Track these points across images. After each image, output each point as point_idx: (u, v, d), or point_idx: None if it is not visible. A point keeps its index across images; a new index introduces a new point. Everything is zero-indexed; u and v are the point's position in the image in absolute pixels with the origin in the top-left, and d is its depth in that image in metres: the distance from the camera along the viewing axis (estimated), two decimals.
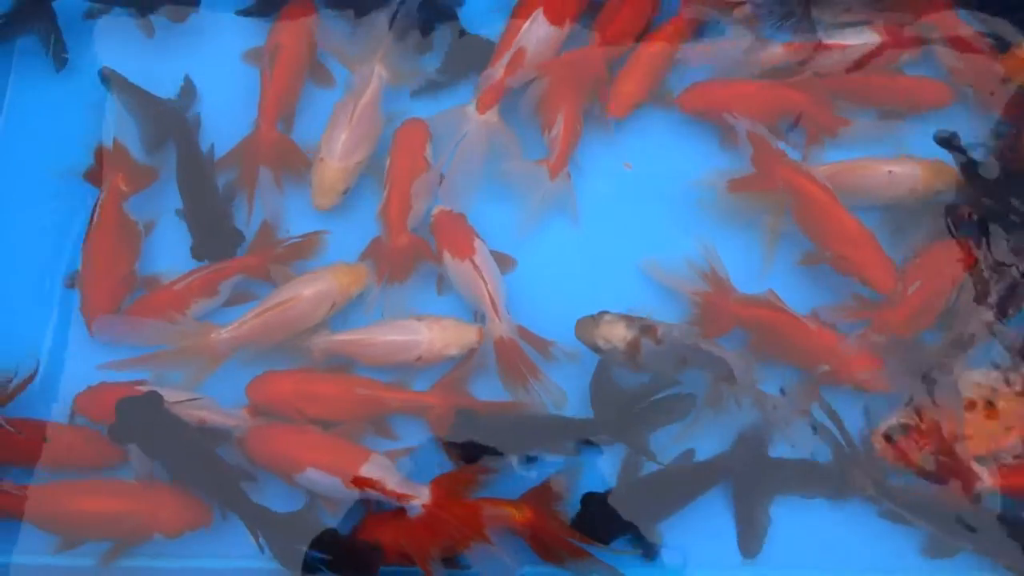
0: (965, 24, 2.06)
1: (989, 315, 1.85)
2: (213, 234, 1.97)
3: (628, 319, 1.82)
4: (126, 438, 1.80)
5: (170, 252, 1.99)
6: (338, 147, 1.96)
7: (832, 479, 1.83)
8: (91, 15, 2.17)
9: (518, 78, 2.01)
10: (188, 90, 2.09)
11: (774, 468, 1.85)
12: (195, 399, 1.83)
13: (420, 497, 1.78)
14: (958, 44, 2.05)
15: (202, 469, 1.80)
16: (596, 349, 1.83)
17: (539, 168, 2.00)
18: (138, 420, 1.79)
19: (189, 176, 1.99)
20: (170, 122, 2.03)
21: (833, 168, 1.97)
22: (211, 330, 1.86)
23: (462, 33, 2.12)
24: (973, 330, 1.85)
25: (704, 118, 2.06)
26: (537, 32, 2.01)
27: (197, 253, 1.96)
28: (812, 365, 1.86)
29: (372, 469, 1.78)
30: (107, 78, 2.05)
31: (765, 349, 1.87)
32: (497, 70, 2.00)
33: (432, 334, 1.88)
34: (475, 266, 1.91)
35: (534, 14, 2.01)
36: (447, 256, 1.93)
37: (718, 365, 1.80)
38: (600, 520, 1.81)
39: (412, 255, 1.96)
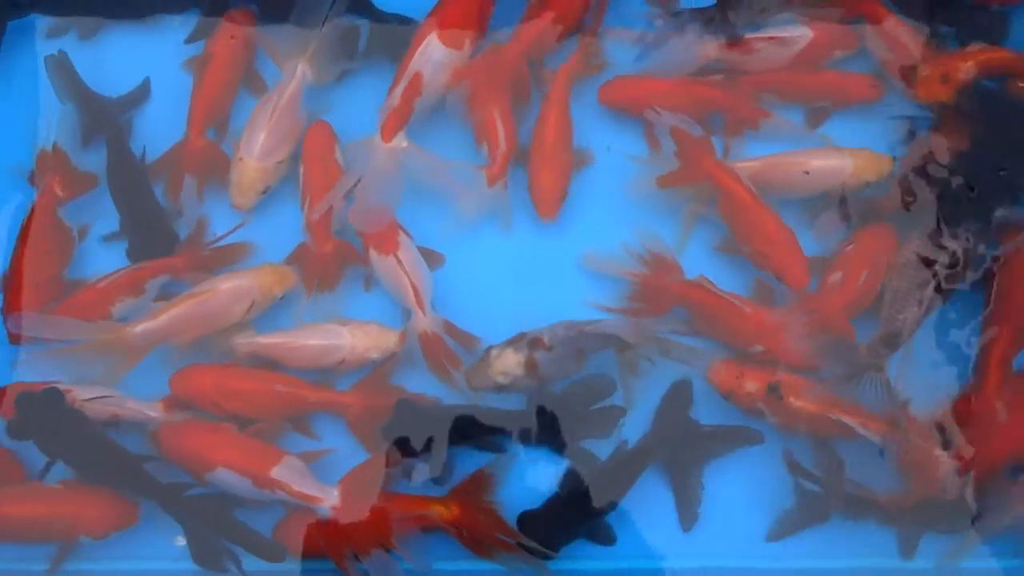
0: (896, 17, 2.07)
1: (918, 309, 1.86)
2: (149, 236, 1.98)
3: (511, 344, 1.83)
4: (24, 435, 1.81)
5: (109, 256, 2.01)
6: (257, 147, 1.96)
7: (755, 439, 1.86)
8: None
9: (424, 100, 2.01)
10: (137, 93, 2.10)
11: (698, 437, 1.87)
12: (106, 396, 1.84)
13: (328, 499, 1.79)
14: (890, 38, 2.07)
15: (106, 462, 1.81)
16: (500, 388, 1.83)
17: (478, 173, 2.00)
18: (37, 417, 1.80)
19: (122, 177, 2.00)
20: (103, 120, 2.04)
21: (764, 162, 1.98)
22: (126, 324, 1.87)
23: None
24: (902, 326, 1.86)
25: (623, 112, 2.07)
26: (432, 56, 1.99)
27: (132, 255, 1.97)
28: (746, 346, 1.89)
29: (282, 470, 1.79)
30: (52, 62, 2.06)
31: (703, 329, 1.91)
32: (395, 97, 1.99)
33: (355, 339, 1.90)
34: (399, 262, 1.92)
35: (428, 38, 2.00)
36: (372, 253, 1.95)
37: (611, 339, 1.83)
38: (544, 532, 1.82)
39: (339, 261, 1.98)
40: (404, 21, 2.10)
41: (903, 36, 2.06)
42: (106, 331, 1.86)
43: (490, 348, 1.85)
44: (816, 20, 2.06)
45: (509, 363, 1.81)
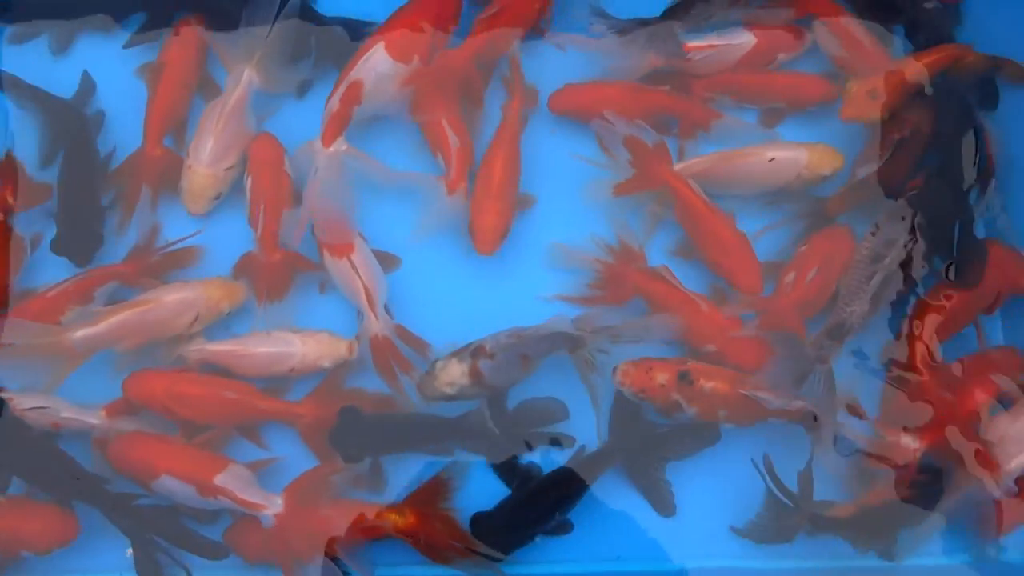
0: (848, 15, 2.07)
1: (865, 304, 1.86)
2: (75, 231, 1.96)
3: (455, 354, 1.83)
4: None
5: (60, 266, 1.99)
6: (205, 153, 1.96)
7: (713, 438, 1.85)
8: None
9: (365, 108, 2.00)
10: (86, 86, 2.09)
11: (654, 439, 1.87)
12: (45, 406, 1.83)
13: (272, 507, 1.78)
14: (842, 35, 2.06)
15: (51, 472, 1.81)
16: (449, 398, 1.83)
17: (436, 182, 1.99)
18: None
19: (72, 169, 1.99)
20: (68, 120, 2.04)
21: (717, 157, 1.98)
22: (65, 329, 1.86)
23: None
24: (848, 319, 1.85)
25: (574, 119, 2.06)
26: (376, 67, 1.97)
27: (55, 246, 1.96)
28: (699, 344, 1.90)
29: (226, 478, 1.79)
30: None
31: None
32: (334, 103, 1.98)
33: (305, 347, 1.89)
34: (352, 265, 1.91)
35: (374, 48, 1.98)
36: (326, 255, 1.94)
37: (555, 340, 1.83)
38: (495, 534, 1.82)
39: (288, 270, 1.97)
40: (354, 27, 2.09)
41: (856, 33, 2.05)
42: (44, 334, 1.85)
43: (436, 360, 1.84)
44: (760, 23, 2.06)
45: (454, 373, 1.80)
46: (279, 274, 1.96)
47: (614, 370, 1.82)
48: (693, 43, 2.04)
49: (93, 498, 1.79)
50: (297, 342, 1.89)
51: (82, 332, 1.85)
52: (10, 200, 2.00)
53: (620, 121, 1.96)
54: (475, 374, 1.80)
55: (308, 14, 2.07)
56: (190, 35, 2.07)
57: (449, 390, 1.81)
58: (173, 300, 1.88)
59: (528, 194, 2.02)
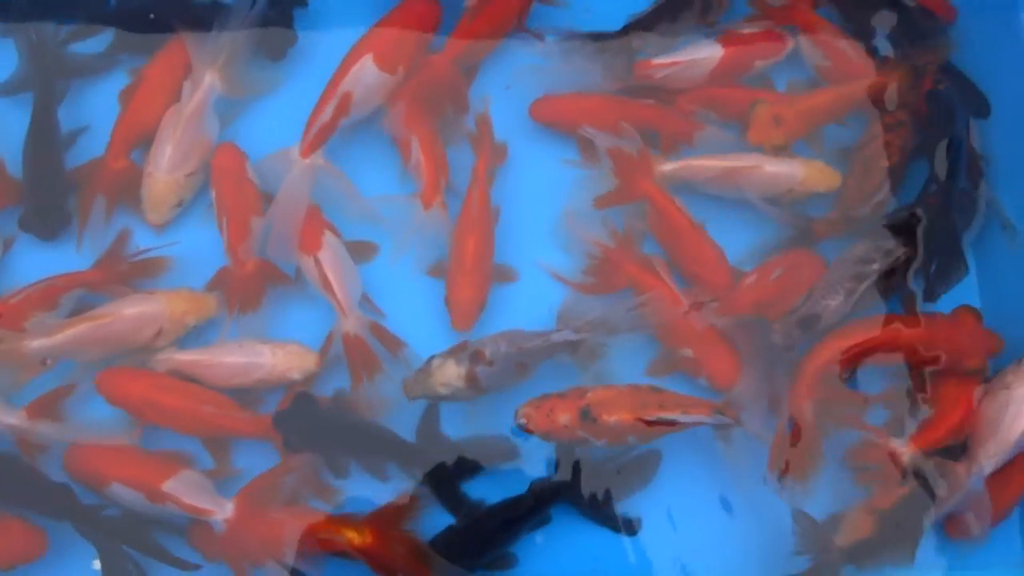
0: (829, 24, 2.05)
1: (842, 301, 1.83)
2: (44, 209, 1.95)
3: (453, 355, 1.80)
4: None
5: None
6: (164, 160, 1.93)
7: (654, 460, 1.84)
8: None
9: (350, 120, 1.98)
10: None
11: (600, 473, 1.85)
12: None
13: (221, 512, 1.76)
14: (824, 44, 2.04)
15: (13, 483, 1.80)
16: (440, 398, 1.81)
17: (413, 201, 1.97)
18: None
19: (37, 146, 1.98)
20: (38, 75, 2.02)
21: (713, 161, 1.96)
22: (22, 335, 1.84)
23: None
24: (823, 313, 1.83)
25: (555, 128, 2.04)
26: (364, 78, 1.95)
27: (22, 223, 1.95)
28: (675, 346, 1.89)
29: (176, 484, 1.77)
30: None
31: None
32: (323, 115, 1.95)
33: (275, 358, 1.86)
34: (319, 262, 1.89)
35: (362, 59, 1.96)
36: (297, 252, 1.92)
37: (555, 349, 1.82)
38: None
39: (260, 280, 1.94)
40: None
41: (837, 42, 2.03)
42: (1, 340, 1.84)
43: (432, 357, 1.81)
44: (734, 34, 2.03)
45: (450, 375, 1.78)
46: (251, 284, 1.93)
47: (516, 414, 1.78)
48: (656, 61, 2.00)
49: (60, 510, 1.78)
50: (267, 353, 1.87)
51: (38, 343, 1.83)
52: None
53: (599, 134, 1.93)
54: (471, 379, 1.78)
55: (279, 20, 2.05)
56: (174, 52, 2.03)
57: (443, 390, 1.79)
58: (133, 314, 1.86)
59: (508, 266, 1.98)
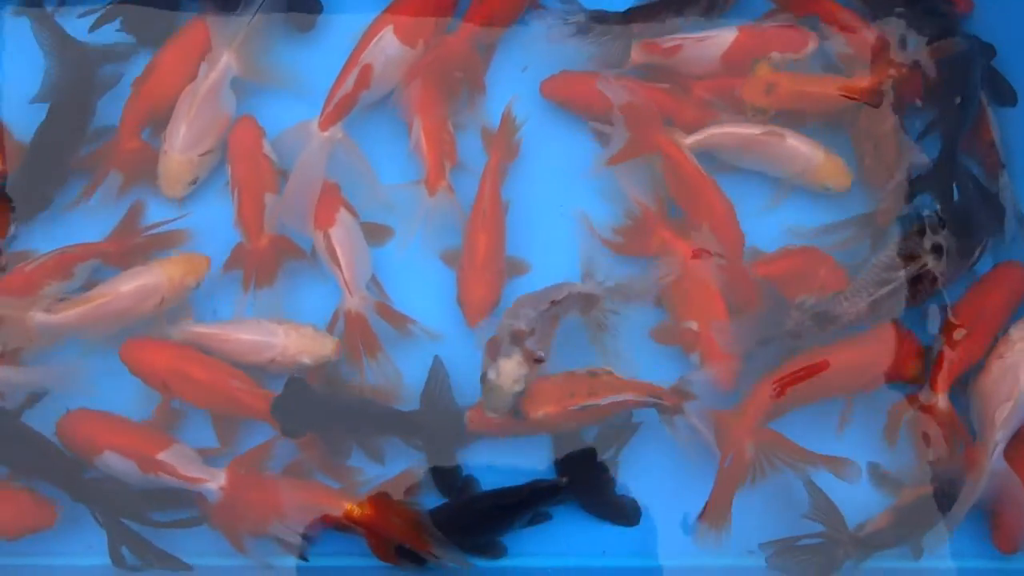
0: (851, 12, 2.02)
1: (863, 306, 1.82)
2: (28, 183, 1.96)
3: (496, 355, 1.76)
4: None
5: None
6: (179, 139, 1.94)
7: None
8: None
9: (370, 95, 1.98)
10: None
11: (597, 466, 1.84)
12: None
13: (215, 481, 1.77)
14: (846, 33, 2.00)
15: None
16: (520, 395, 1.77)
17: (417, 187, 1.96)
18: None
19: (53, 124, 1.98)
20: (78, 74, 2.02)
21: (738, 129, 1.95)
22: (33, 305, 1.85)
23: None
24: (841, 314, 1.82)
25: (565, 106, 2.03)
26: (386, 50, 1.96)
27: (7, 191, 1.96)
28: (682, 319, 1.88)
29: (168, 455, 1.78)
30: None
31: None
32: (344, 87, 1.95)
33: (288, 339, 1.86)
34: (331, 239, 1.90)
35: (383, 31, 1.96)
36: (312, 227, 1.93)
37: (577, 299, 1.82)
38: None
39: (275, 255, 1.94)
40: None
41: (860, 30, 2.00)
42: (11, 308, 1.85)
43: (484, 375, 1.78)
44: (749, 24, 2.02)
45: (511, 371, 1.76)
46: (266, 260, 1.94)
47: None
48: (668, 41, 1.99)
49: (65, 483, 1.80)
50: (280, 333, 1.86)
51: (43, 318, 1.85)
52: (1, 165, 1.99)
53: (618, 87, 1.92)
54: (528, 356, 1.76)
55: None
56: (192, 40, 2.03)
57: (517, 387, 1.76)
58: (131, 289, 1.86)
59: (520, 260, 1.97)
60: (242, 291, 1.93)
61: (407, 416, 1.84)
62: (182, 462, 1.78)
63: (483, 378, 1.78)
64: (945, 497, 1.79)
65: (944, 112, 1.94)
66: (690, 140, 1.93)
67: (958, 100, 1.92)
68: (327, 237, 1.90)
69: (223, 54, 1.98)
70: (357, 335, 1.88)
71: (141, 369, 1.85)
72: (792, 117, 1.96)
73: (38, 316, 1.84)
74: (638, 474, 1.87)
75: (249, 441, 1.86)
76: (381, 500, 1.77)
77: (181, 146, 1.95)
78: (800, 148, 1.94)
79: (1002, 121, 1.99)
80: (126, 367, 1.85)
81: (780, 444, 1.79)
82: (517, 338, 1.76)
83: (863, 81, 1.95)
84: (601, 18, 1.99)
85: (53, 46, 2.03)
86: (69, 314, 1.84)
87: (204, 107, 1.96)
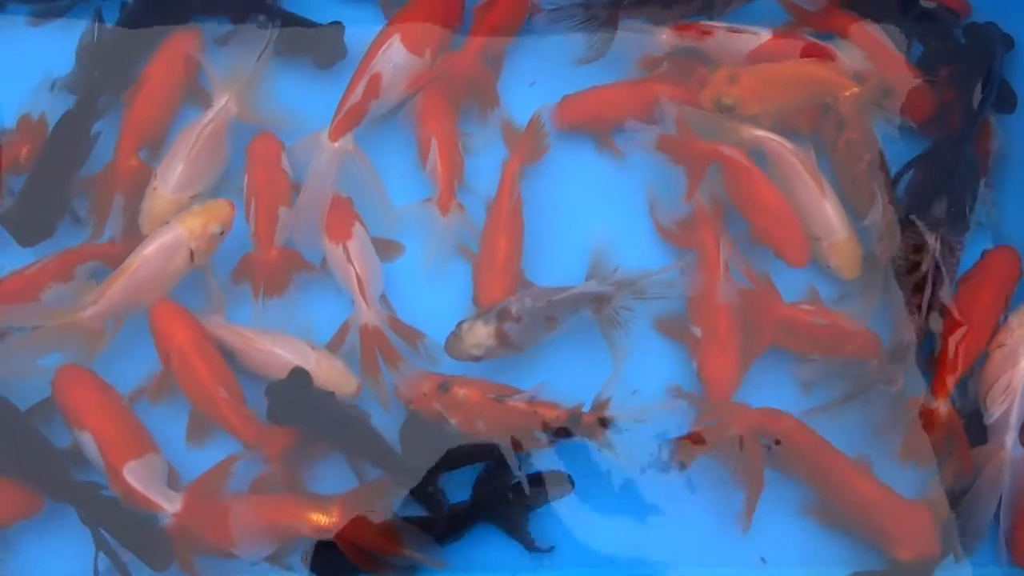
0: (869, 26, 2.05)
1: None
2: (31, 212, 1.92)
3: (481, 316, 1.80)
4: None
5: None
6: (173, 179, 1.91)
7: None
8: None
9: (380, 105, 1.99)
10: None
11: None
12: None
13: (170, 507, 1.72)
14: (865, 47, 2.04)
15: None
16: (475, 359, 1.81)
17: (429, 207, 1.96)
18: None
19: (55, 149, 1.95)
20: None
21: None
22: (74, 309, 1.80)
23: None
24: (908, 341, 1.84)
25: (582, 130, 2.04)
26: (393, 58, 1.98)
27: (4, 220, 1.92)
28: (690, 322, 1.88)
29: (135, 467, 1.73)
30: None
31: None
32: (354, 96, 1.96)
33: (318, 369, 1.81)
34: (347, 251, 1.88)
35: (390, 40, 1.98)
36: (325, 240, 1.90)
37: (580, 301, 1.83)
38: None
39: (284, 268, 1.91)
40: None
41: (878, 45, 2.04)
42: (57, 316, 1.81)
43: (461, 322, 1.81)
44: (785, 32, 2.05)
45: (480, 335, 1.79)
46: (276, 272, 1.91)
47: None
48: (705, 25, 2.02)
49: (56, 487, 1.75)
50: (312, 360, 1.82)
51: (92, 310, 1.80)
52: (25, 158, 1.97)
53: (643, 127, 1.94)
54: (501, 336, 1.79)
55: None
56: (178, 51, 2.04)
57: (475, 351, 1.79)
58: (154, 250, 1.82)
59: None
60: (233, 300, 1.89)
61: (391, 453, 1.79)
62: (144, 479, 1.72)
63: (458, 323, 1.80)
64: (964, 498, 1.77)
65: (961, 95, 1.97)
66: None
67: (979, 85, 1.95)
68: (345, 250, 1.89)
69: (226, 97, 1.97)
70: (374, 349, 1.84)
71: (156, 331, 1.81)
72: (775, 118, 1.98)
73: (87, 312, 1.79)
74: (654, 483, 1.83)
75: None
76: (348, 507, 1.72)
77: (175, 186, 1.91)
78: (830, 217, 1.92)
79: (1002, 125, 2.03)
80: (149, 323, 1.82)
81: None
82: (503, 316, 1.79)
83: (830, 69, 1.99)
84: (588, 5, 2.01)
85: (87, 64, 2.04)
86: (111, 293, 1.80)
87: (204, 151, 1.94)
